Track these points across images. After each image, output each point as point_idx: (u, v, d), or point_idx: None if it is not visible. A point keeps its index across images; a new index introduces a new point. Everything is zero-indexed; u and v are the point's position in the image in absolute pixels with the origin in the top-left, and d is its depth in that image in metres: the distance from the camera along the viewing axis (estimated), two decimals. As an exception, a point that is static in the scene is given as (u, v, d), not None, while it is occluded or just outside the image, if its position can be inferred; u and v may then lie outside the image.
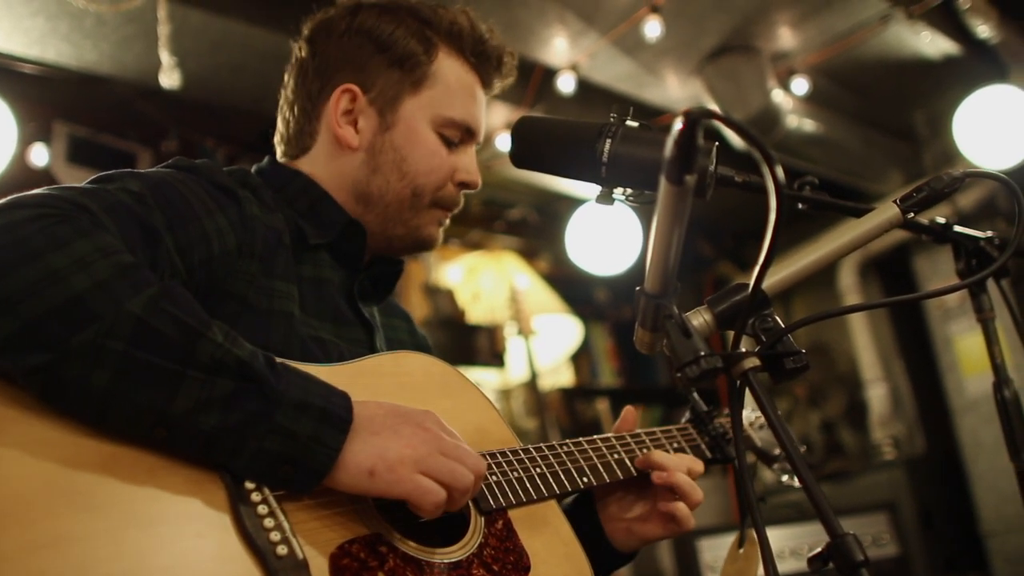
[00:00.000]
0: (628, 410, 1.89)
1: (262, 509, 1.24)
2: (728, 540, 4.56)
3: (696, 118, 1.00)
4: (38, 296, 1.14)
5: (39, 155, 4.15)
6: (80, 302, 1.16)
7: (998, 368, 1.74)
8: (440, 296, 5.47)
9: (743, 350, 1.28)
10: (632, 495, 1.83)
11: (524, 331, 5.22)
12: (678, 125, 1.02)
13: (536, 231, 6.25)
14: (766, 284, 1.44)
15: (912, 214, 1.50)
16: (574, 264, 5.77)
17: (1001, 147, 4.93)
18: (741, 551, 1.94)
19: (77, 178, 4.18)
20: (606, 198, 1.63)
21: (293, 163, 1.80)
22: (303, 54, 1.80)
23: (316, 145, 1.78)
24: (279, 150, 1.84)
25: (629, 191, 1.61)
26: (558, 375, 6.22)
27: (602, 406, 6.25)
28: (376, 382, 1.52)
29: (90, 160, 4.26)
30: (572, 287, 6.29)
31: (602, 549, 1.81)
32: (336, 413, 1.29)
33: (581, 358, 6.44)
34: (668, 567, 5.25)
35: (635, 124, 1.58)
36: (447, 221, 1.83)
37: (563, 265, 6.23)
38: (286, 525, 1.24)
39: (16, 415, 1.15)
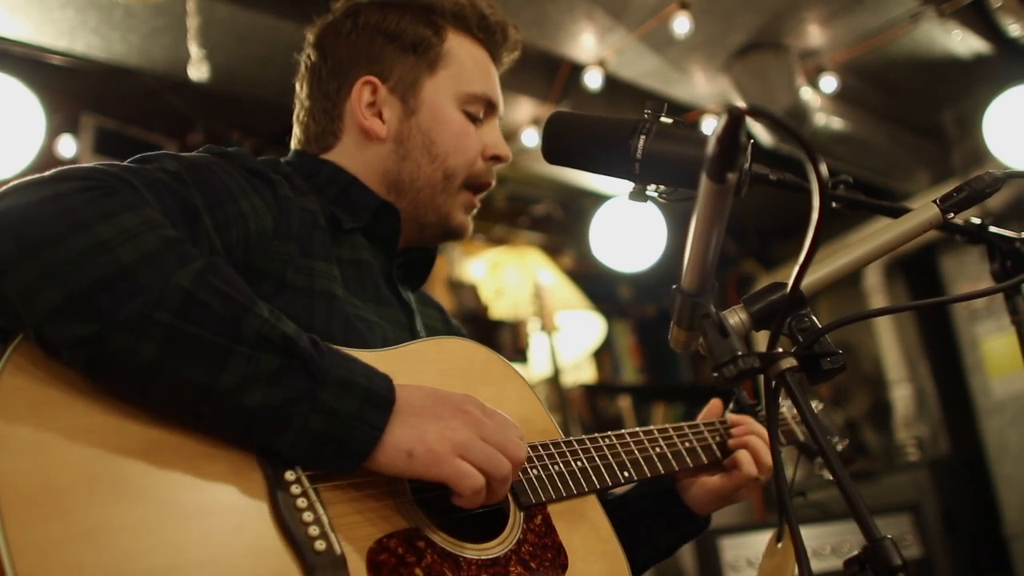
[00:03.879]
0: (715, 402, 1.95)
1: (301, 502, 1.23)
2: (749, 539, 4.56)
3: (740, 115, 0.99)
4: (86, 266, 1.14)
5: (67, 146, 4.17)
6: (128, 273, 1.16)
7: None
8: (464, 291, 5.47)
9: (780, 350, 1.27)
10: None
11: (547, 327, 5.20)
12: (721, 122, 1.01)
13: (560, 227, 6.24)
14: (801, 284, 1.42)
15: (952, 215, 1.47)
16: (598, 260, 5.75)
17: (1031, 147, 4.89)
18: (779, 546, 1.93)
19: (104, 170, 4.20)
20: (639, 195, 1.61)
21: (321, 155, 1.80)
22: (313, 59, 1.81)
23: (340, 142, 1.78)
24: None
25: (662, 188, 1.60)
26: (580, 371, 6.21)
27: (624, 403, 6.23)
28: (419, 368, 1.51)
29: (117, 152, 4.26)
30: (595, 283, 6.28)
31: (678, 508, 1.85)
32: (379, 393, 1.29)
33: (604, 355, 6.43)
34: (689, 566, 5.24)
35: (669, 121, 1.57)
36: (476, 208, 1.83)
37: (587, 261, 6.22)
38: (324, 518, 1.23)
39: (60, 399, 1.15)
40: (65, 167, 1.27)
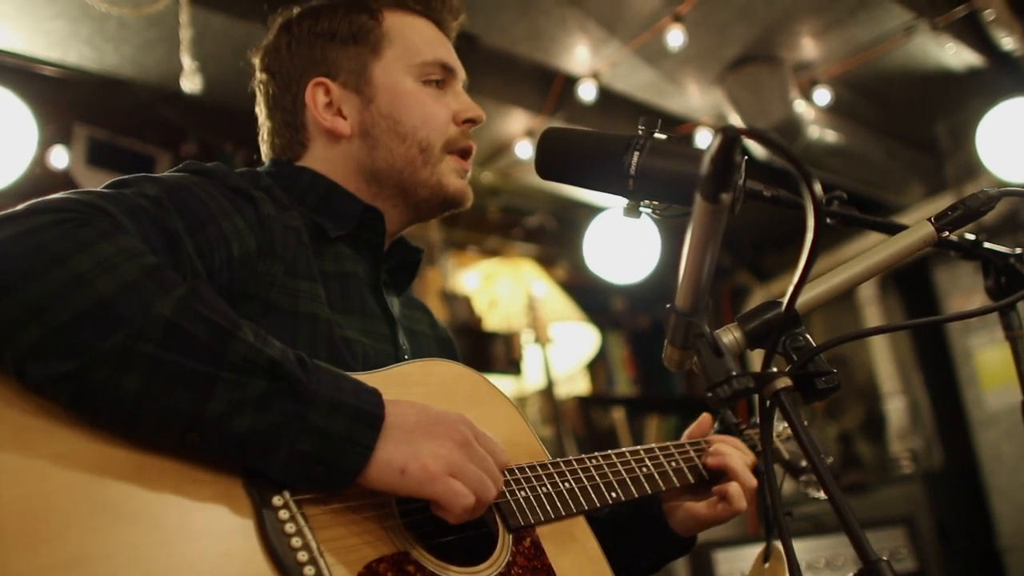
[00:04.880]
0: (705, 417, 1.95)
1: (289, 527, 1.22)
2: (743, 552, 4.57)
3: (735, 135, 0.98)
4: (64, 301, 1.12)
5: (59, 157, 4.14)
6: (107, 305, 1.14)
7: (1027, 387, 1.71)
8: (457, 303, 5.45)
9: (774, 370, 1.26)
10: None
11: (541, 339, 5.20)
12: (716, 141, 1.00)
13: (554, 238, 6.23)
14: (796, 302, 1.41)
15: (947, 233, 1.47)
16: (591, 272, 5.75)
17: (1024, 160, 4.90)
18: (766, 566, 1.92)
19: (96, 180, 4.18)
20: (633, 211, 1.61)
21: (295, 163, 1.78)
22: (263, 81, 1.81)
23: (309, 150, 1.77)
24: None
25: (656, 204, 1.59)
26: (574, 383, 6.20)
27: (618, 415, 6.22)
28: (405, 391, 1.49)
29: (109, 163, 4.25)
30: (589, 295, 6.27)
31: (663, 532, 1.84)
32: (368, 410, 1.28)
33: (597, 366, 6.41)
34: (683, 579, 5.22)
35: (663, 137, 1.56)
36: (468, 172, 1.80)
37: (580, 273, 6.21)
38: (313, 544, 1.22)
39: (43, 425, 1.13)
40: (37, 200, 1.25)
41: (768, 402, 1.26)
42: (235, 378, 1.19)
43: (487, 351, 5.35)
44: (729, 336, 1.37)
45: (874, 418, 6.33)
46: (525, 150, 4.82)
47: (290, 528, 1.21)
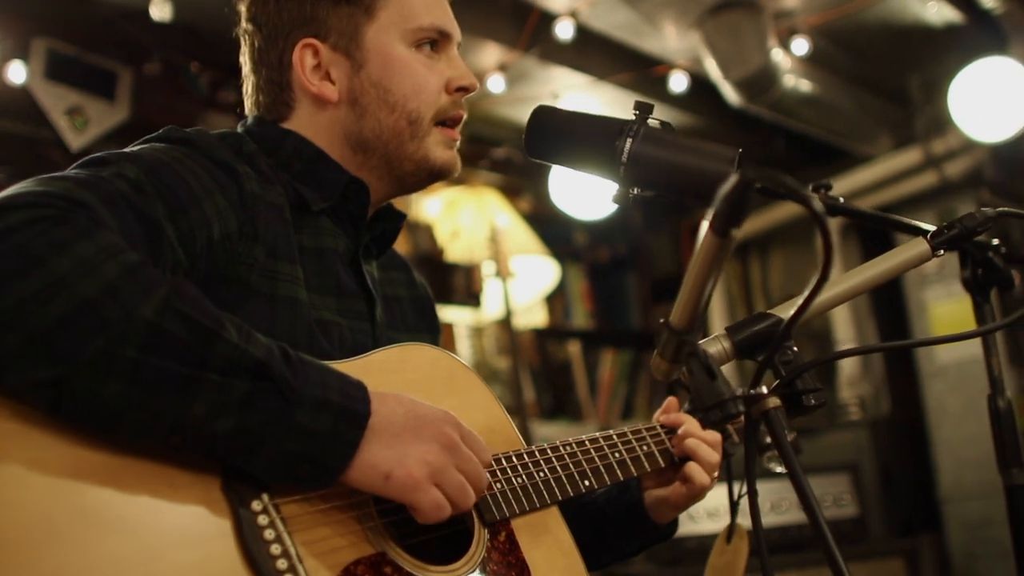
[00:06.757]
0: (671, 400, 1.93)
1: (269, 533, 1.21)
2: (693, 508, 4.61)
3: (750, 180, 0.96)
4: (44, 306, 1.09)
5: (16, 72, 3.98)
6: (89, 309, 1.11)
7: (995, 381, 1.73)
8: (419, 232, 5.42)
9: (763, 389, 1.26)
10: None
11: (502, 272, 5.18)
12: (731, 182, 0.98)
13: (520, 169, 6.17)
14: (787, 310, 1.41)
15: (942, 251, 1.47)
16: (555, 205, 5.73)
17: (994, 119, 4.91)
18: (729, 544, 1.96)
19: (56, 95, 4.05)
20: (622, 197, 1.60)
21: (280, 123, 1.72)
22: (249, 31, 1.73)
23: (295, 112, 1.70)
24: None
25: (646, 192, 1.58)
26: (531, 315, 6.20)
27: (574, 348, 6.24)
28: (383, 379, 1.47)
29: (69, 78, 4.10)
30: (551, 227, 6.24)
31: (644, 519, 1.86)
32: (354, 408, 1.26)
33: (555, 298, 6.42)
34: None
35: (657, 124, 1.55)
36: (457, 142, 1.75)
37: (544, 204, 6.17)
38: (292, 550, 1.21)
39: (17, 430, 1.10)
40: (11, 193, 1.19)
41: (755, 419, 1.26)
42: (219, 380, 1.16)
43: (447, 282, 5.34)
44: (717, 346, 1.38)
45: (826, 364, 6.41)
46: (497, 84, 4.75)
47: (269, 534, 1.21)
